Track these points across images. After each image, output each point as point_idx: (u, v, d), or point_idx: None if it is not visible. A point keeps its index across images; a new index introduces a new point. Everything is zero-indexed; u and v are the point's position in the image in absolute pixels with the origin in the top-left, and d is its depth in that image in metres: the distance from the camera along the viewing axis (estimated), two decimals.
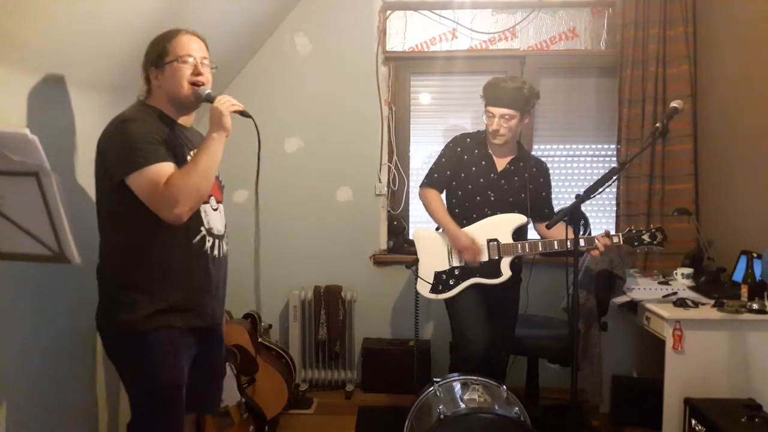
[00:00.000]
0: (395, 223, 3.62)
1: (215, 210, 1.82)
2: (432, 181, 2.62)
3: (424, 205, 2.64)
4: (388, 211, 3.64)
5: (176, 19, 2.33)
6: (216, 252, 1.80)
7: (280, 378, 2.86)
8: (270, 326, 3.50)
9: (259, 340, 2.97)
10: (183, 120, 1.81)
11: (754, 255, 2.55)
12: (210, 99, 1.73)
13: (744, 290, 2.44)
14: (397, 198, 3.67)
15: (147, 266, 1.67)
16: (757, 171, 2.76)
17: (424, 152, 3.67)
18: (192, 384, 1.79)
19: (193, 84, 1.73)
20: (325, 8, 3.52)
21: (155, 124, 1.68)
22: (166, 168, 1.60)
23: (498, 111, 2.44)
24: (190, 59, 1.72)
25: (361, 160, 3.58)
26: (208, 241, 1.76)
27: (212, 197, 1.81)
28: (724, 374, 2.31)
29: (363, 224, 3.60)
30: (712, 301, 2.45)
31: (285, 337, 3.55)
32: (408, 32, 3.60)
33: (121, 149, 1.60)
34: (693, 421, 2.21)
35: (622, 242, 2.36)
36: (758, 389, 2.27)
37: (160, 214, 1.59)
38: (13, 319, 1.84)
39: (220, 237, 1.83)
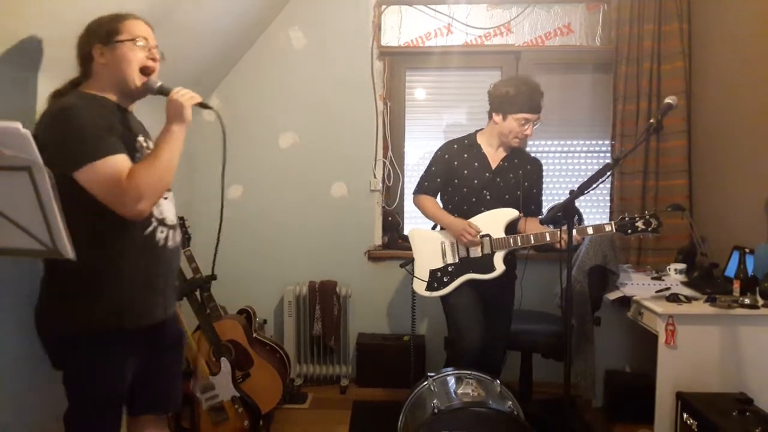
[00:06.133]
0: (390, 218, 3.62)
1: (166, 199, 1.68)
2: (423, 189, 2.64)
3: (421, 210, 2.66)
4: (383, 207, 3.64)
5: (170, 13, 2.32)
6: (170, 243, 1.68)
7: (275, 373, 2.86)
8: (265, 321, 3.50)
9: (254, 335, 2.97)
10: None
11: (747, 251, 2.57)
12: (164, 91, 1.63)
13: (736, 285, 2.47)
14: (391, 194, 3.67)
15: (93, 266, 1.51)
16: (750, 167, 2.78)
17: (419, 148, 3.67)
18: (146, 384, 1.71)
19: (144, 69, 1.62)
20: (320, 2, 3.51)
21: (99, 111, 1.53)
22: (121, 160, 1.48)
23: (534, 117, 2.47)
24: (143, 42, 1.61)
25: (356, 156, 3.57)
26: (161, 232, 1.64)
27: None
28: (716, 369, 2.32)
29: (358, 220, 3.60)
30: (705, 297, 2.46)
31: (280, 332, 3.55)
32: (403, 27, 3.60)
33: (65, 141, 1.44)
34: (685, 415, 2.23)
35: (614, 230, 2.35)
36: (749, 383, 2.29)
37: (121, 209, 1.46)
38: (9, 316, 1.83)
39: (173, 227, 1.70)
